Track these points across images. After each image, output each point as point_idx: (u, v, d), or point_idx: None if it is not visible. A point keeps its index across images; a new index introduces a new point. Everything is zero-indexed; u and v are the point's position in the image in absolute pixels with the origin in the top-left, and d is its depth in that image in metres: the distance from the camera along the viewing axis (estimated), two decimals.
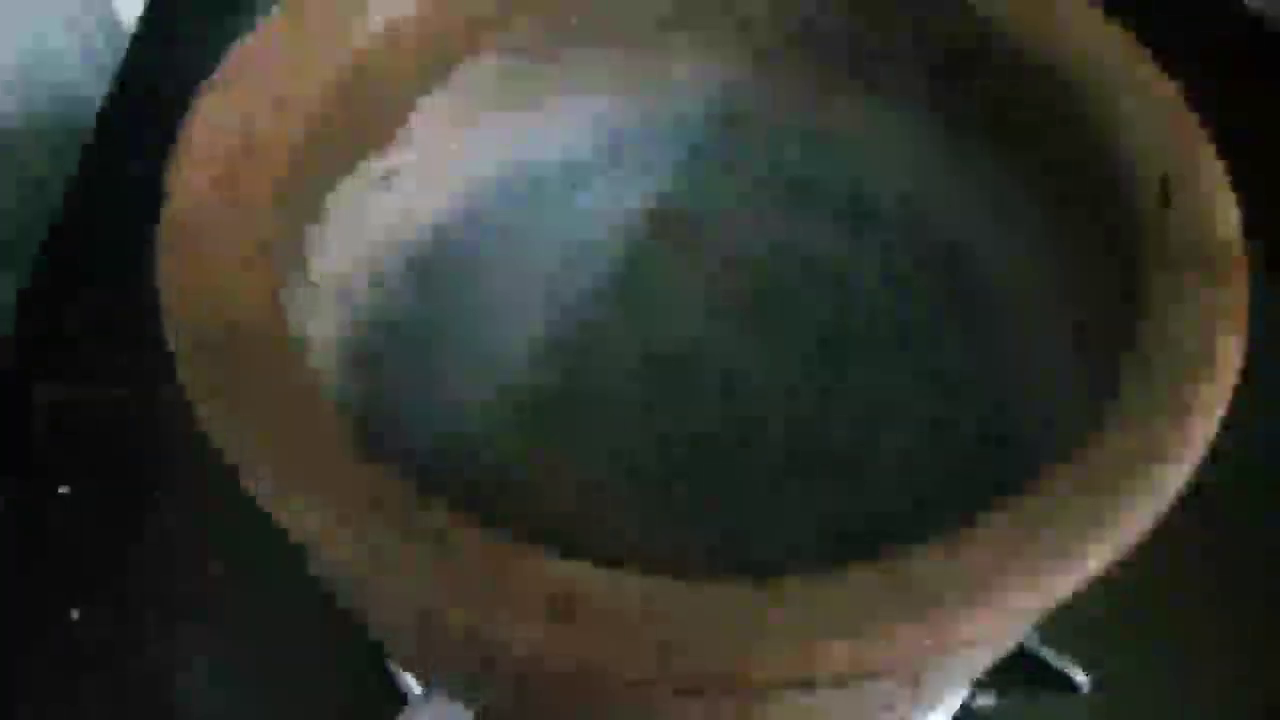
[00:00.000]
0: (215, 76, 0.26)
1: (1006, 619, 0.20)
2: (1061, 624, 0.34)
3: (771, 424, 0.33)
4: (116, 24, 0.51)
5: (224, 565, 0.37)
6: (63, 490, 0.39)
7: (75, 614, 0.36)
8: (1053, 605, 0.20)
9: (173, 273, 0.23)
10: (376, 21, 0.29)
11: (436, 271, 0.34)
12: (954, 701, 0.32)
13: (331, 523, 0.20)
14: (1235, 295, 0.24)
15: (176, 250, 0.24)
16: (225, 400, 0.21)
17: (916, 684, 0.23)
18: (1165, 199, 0.25)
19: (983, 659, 0.25)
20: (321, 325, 0.30)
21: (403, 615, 0.22)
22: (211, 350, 0.22)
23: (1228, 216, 0.25)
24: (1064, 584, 0.20)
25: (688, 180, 0.36)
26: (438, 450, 0.31)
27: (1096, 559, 0.20)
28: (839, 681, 0.19)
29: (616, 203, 0.36)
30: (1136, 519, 0.21)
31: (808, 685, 0.19)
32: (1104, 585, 0.21)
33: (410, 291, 0.33)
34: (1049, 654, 0.30)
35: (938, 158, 0.33)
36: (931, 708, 0.28)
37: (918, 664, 0.21)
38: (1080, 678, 0.30)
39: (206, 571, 0.37)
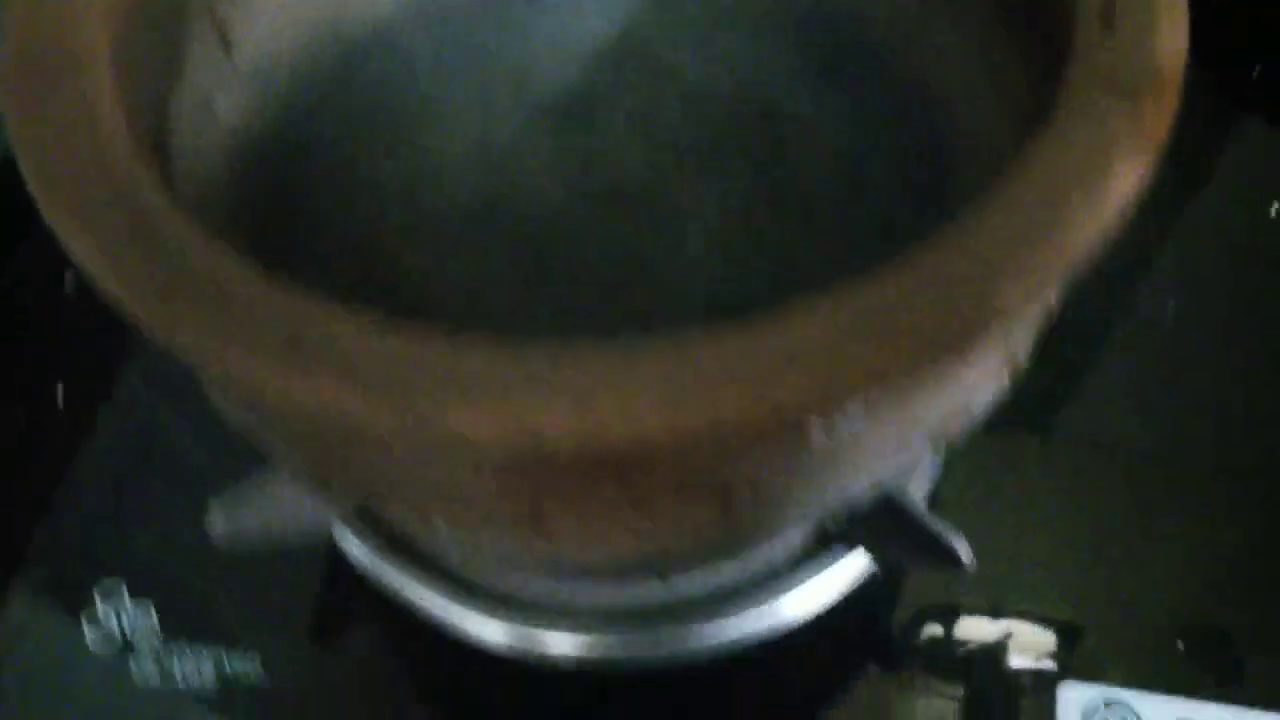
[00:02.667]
0: None
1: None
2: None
3: (701, 258, 0.31)
4: None
5: None
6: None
7: None
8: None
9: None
10: None
11: (373, 70, 0.32)
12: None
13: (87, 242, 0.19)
14: (1151, 125, 0.21)
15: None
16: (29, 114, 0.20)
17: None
18: (1107, 20, 0.22)
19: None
20: (235, 103, 0.29)
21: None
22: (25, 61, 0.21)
23: (1171, 42, 0.22)
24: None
25: (655, 10, 0.34)
26: (332, 253, 0.30)
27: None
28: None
29: (578, 26, 0.34)
30: None
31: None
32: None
33: (341, 87, 0.32)
34: (934, 521, 0.28)
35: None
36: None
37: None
38: (964, 552, 0.28)
39: None
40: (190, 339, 0.18)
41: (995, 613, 0.32)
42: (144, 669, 0.32)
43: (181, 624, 0.33)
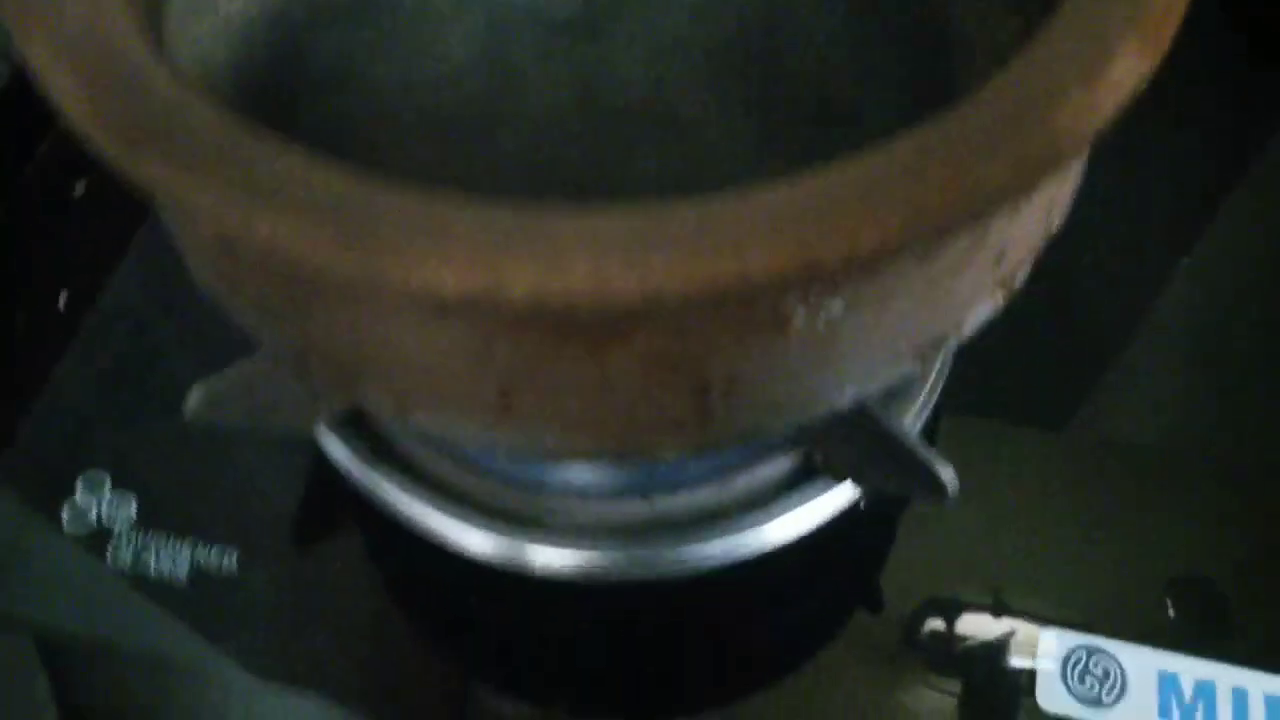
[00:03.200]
0: None
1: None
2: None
3: (708, 164, 0.31)
4: None
5: None
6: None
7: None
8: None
9: None
10: None
11: None
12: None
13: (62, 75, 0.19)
14: (1153, 22, 0.20)
15: None
16: None
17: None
18: None
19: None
20: None
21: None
22: None
23: None
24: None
25: None
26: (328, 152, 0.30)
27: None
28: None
29: None
30: None
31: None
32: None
33: None
34: (921, 447, 0.28)
35: None
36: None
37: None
38: (949, 480, 0.27)
39: None
40: (155, 173, 0.18)
41: (998, 610, 0.31)
42: (121, 556, 0.32)
43: (162, 516, 0.33)
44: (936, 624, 0.31)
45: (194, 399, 0.28)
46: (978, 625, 0.31)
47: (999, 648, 0.31)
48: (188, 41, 0.27)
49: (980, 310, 0.25)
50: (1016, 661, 0.31)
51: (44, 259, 0.41)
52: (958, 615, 0.32)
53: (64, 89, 0.19)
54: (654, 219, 0.17)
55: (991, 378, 0.34)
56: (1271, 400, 0.35)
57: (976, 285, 0.24)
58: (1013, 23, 0.27)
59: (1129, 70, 0.20)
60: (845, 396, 0.24)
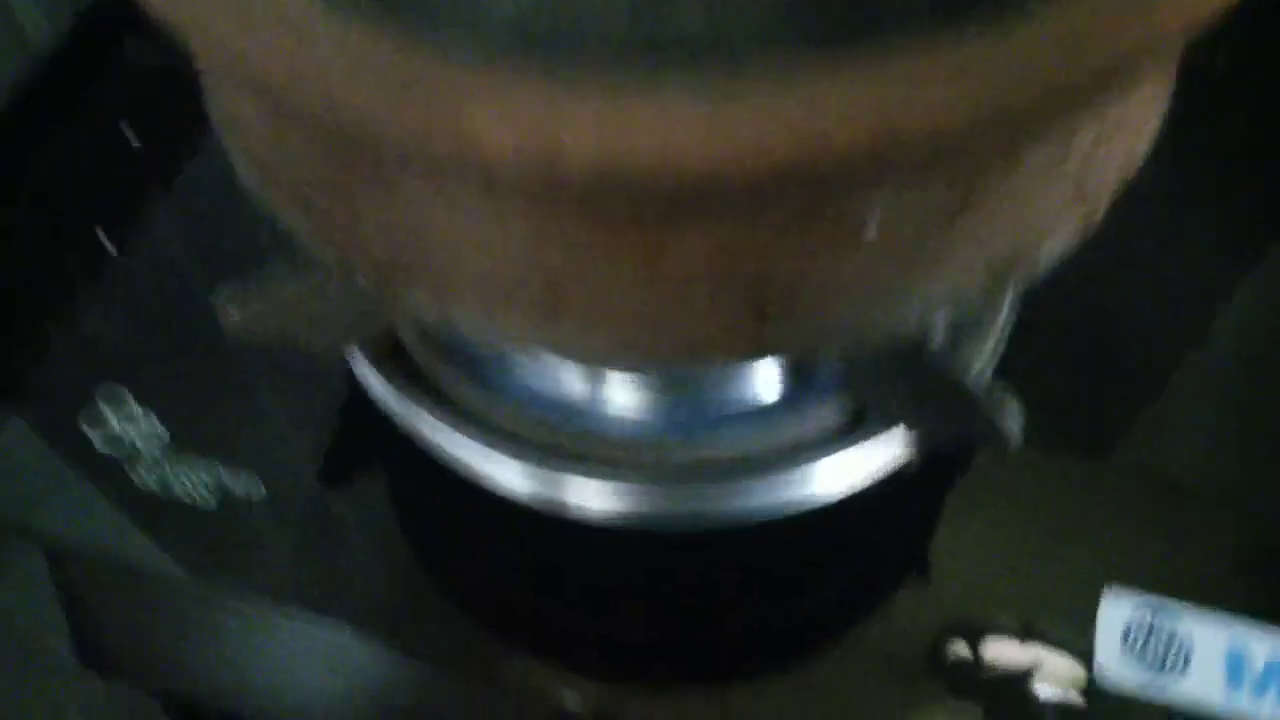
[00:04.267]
0: None
1: None
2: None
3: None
4: None
5: None
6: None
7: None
8: None
9: None
10: None
11: None
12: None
13: None
14: None
15: None
16: None
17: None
18: None
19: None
20: None
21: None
22: None
23: None
24: None
25: None
26: None
27: None
28: None
29: None
30: None
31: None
32: None
33: None
34: (981, 384, 0.26)
35: None
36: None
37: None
38: (1013, 420, 0.25)
39: None
40: (202, 18, 0.17)
41: (1025, 637, 0.29)
42: (143, 476, 0.31)
43: (189, 439, 0.32)
44: (960, 647, 0.30)
45: (227, 306, 0.27)
46: (1004, 652, 0.30)
47: (1024, 678, 0.29)
48: None
49: (1060, 237, 0.24)
50: (1043, 693, 0.29)
51: (87, 199, 0.40)
52: (982, 638, 0.30)
53: None
54: (729, 84, 0.16)
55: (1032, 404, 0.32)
56: None
57: (1058, 208, 0.23)
58: None
59: None
60: (912, 316, 0.23)
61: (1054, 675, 0.29)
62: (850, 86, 0.16)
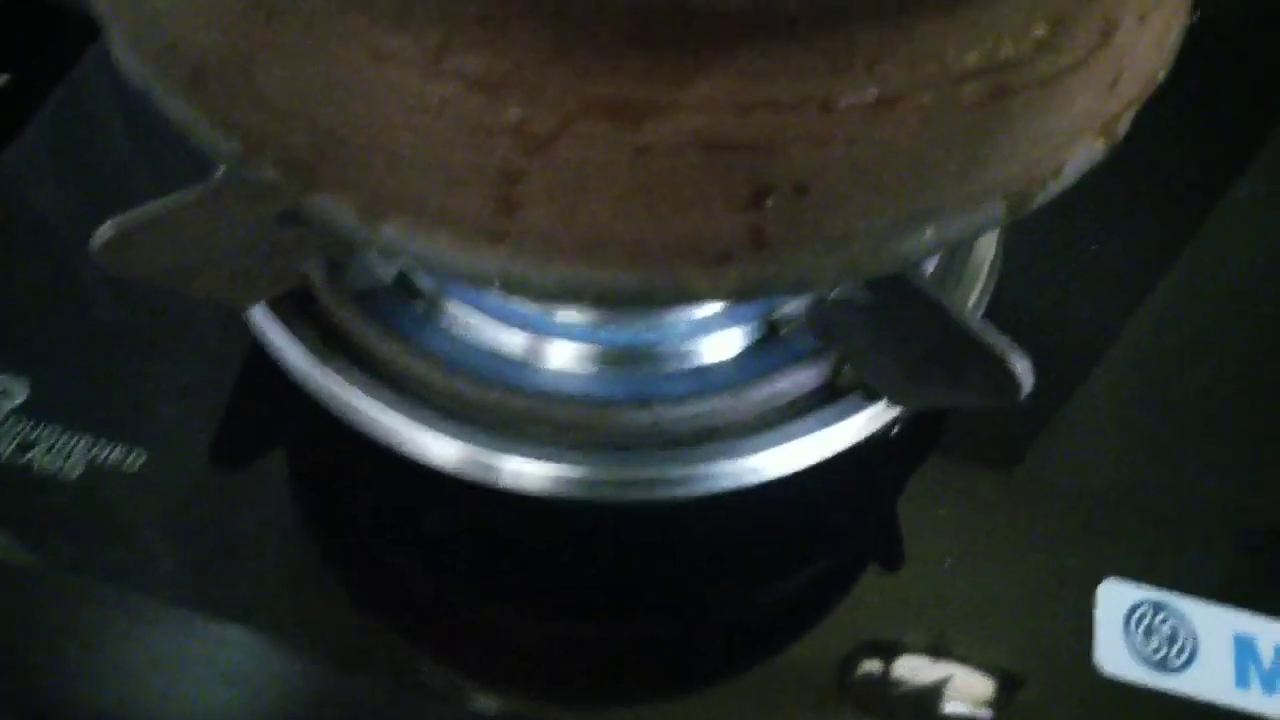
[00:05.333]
0: None
1: None
2: None
3: None
4: None
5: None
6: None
7: None
8: None
9: None
10: None
11: None
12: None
13: None
14: None
15: None
16: None
17: None
18: None
19: None
20: None
21: None
22: None
23: None
24: None
25: None
26: None
27: None
28: None
29: None
30: None
31: None
32: None
33: None
34: (986, 329, 0.23)
35: None
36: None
37: None
38: (1022, 369, 0.22)
39: None
40: None
41: (936, 653, 0.27)
42: (3, 446, 0.26)
43: (56, 404, 0.27)
44: (873, 665, 0.27)
45: (102, 236, 0.22)
46: (915, 669, 0.27)
47: (933, 694, 0.27)
48: None
49: (1083, 153, 0.21)
50: (951, 708, 0.26)
51: None
52: (895, 658, 0.27)
53: None
54: None
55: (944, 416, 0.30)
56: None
57: (1087, 113, 0.20)
58: None
59: None
60: (924, 238, 0.19)
61: (965, 693, 0.26)
62: None
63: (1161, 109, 0.22)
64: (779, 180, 0.17)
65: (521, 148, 0.16)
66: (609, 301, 0.23)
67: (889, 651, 0.27)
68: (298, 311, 0.27)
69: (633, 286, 0.18)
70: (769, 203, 0.17)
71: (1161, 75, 0.22)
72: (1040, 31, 0.17)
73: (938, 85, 0.16)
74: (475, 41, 0.15)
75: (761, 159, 0.16)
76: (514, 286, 0.20)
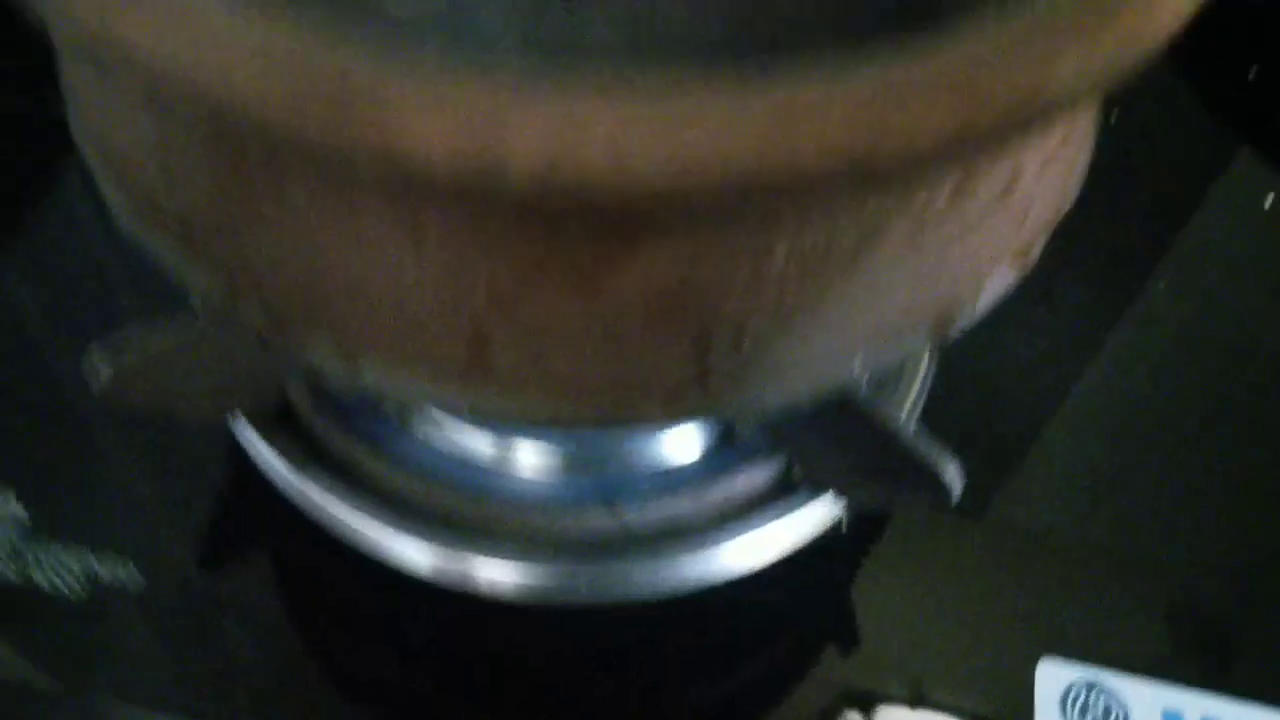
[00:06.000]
0: None
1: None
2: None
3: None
4: None
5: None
6: None
7: None
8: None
9: None
10: None
11: None
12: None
13: None
14: None
15: None
16: None
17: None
18: None
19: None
20: None
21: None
22: None
23: None
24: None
25: None
26: None
27: None
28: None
29: None
30: None
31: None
32: None
33: None
34: (918, 438, 0.25)
35: None
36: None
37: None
38: (953, 475, 0.24)
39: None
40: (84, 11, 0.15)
41: (915, 703, 0.28)
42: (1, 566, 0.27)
43: (50, 520, 0.28)
44: (854, 718, 0.28)
45: (99, 366, 0.24)
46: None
47: None
48: None
49: (997, 280, 0.23)
50: None
51: None
52: (874, 709, 0.29)
53: None
54: (685, 88, 0.15)
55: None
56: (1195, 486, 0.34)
57: (999, 247, 0.22)
58: None
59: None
60: (854, 366, 0.21)
61: None
62: (821, 93, 0.15)
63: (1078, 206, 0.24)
64: (718, 330, 0.18)
65: (487, 305, 0.18)
66: (572, 429, 0.25)
67: None
68: (274, 418, 0.29)
69: (592, 418, 0.20)
70: (711, 349, 0.19)
71: (1069, 205, 0.24)
72: (953, 181, 0.19)
73: (858, 235, 0.18)
74: (446, 222, 0.17)
75: (701, 313, 0.18)
76: (483, 415, 0.21)
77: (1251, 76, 0.44)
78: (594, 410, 0.20)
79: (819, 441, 0.28)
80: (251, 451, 0.29)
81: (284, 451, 0.28)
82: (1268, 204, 0.40)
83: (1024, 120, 0.16)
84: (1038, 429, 0.34)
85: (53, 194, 0.36)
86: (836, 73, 0.15)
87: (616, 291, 0.17)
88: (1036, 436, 0.34)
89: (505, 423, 0.27)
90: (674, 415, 0.20)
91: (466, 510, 0.28)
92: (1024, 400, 0.35)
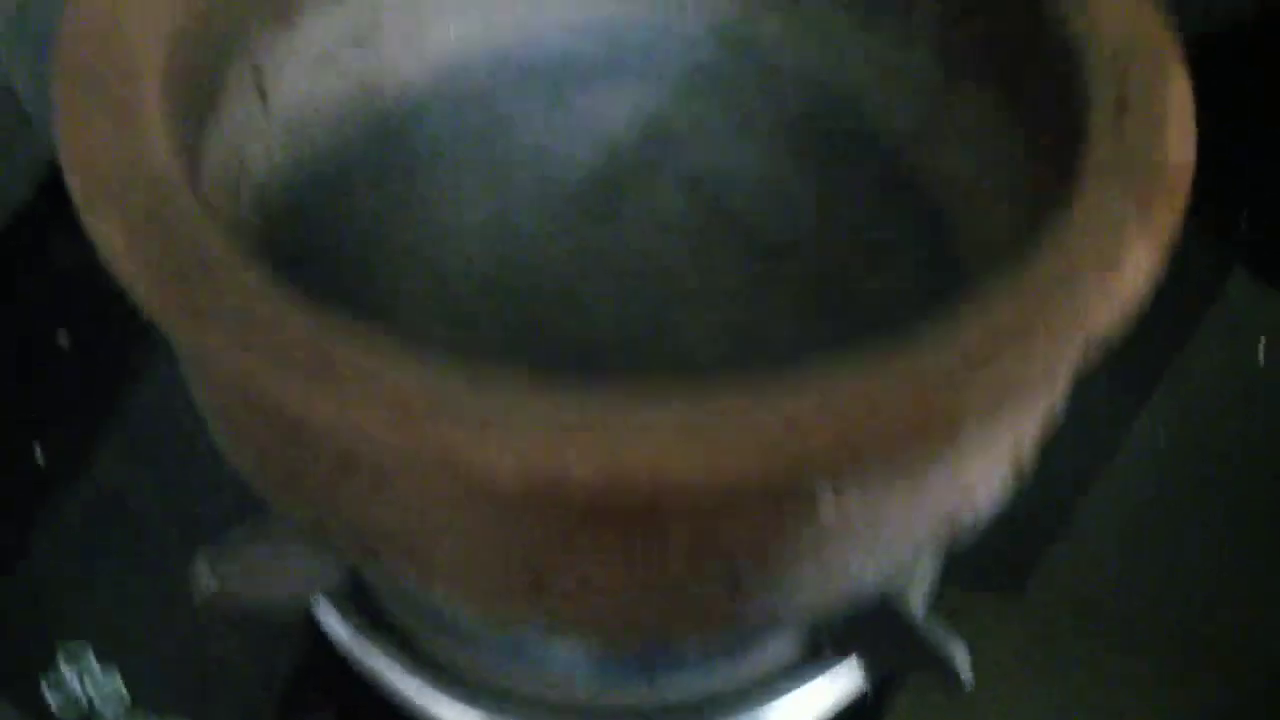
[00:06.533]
0: None
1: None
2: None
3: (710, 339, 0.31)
4: None
5: None
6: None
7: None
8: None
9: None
10: None
11: (401, 134, 0.33)
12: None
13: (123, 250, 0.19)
14: (1160, 224, 0.21)
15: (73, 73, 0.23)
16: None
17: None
18: (1120, 111, 0.23)
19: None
20: (265, 154, 0.30)
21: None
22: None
23: (1180, 135, 0.23)
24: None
25: (682, 98, 0.35)
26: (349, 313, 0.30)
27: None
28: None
29: (605, 109, 0.35)
30: None
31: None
32: None
33: (368, 148, 0.33)
34: (932, 629, 0.27)
35: (935, 99, 0.31)
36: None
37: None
38: (964, 666, 0.27)
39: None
40: (218, 344, 0.18)
41: None
42: None
43: (148, 691, 0.31)
44: None
45: (203, 576, 0.27)
46: None
47: None
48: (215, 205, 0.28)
49: (996, 490, 0.25)
50: None
51: (21, 410, 0.39)
52: None
53: (110, 236, 0.19)
54: (712, 406, 0.18)
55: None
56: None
57: (995, 469, 0.25)
58: (1014, 218, 0.28)
59: (1139, 279, 0.21)
60: (868, 581, 0.24)
61: None
62: (824, 402, 0.18)
63: None
64: (746, 575, 0.21)
65: (544, 568, 0.21)
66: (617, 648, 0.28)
67: None
68: (349, 597, 0.32)
69: (636, 642, 0.23)
70: (740, 583, 0.22)
71: (1060, 417, 0.27)
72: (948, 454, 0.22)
73: (863, 501, 0.21)
74: (509, 507, 0.20)
75: (731, 565, 0.21)
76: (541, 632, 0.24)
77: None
78: (637, 637, 0.23)
79: (844, 623, 0.30)
80: (325, 624, 0.32)
81: (356, 626, 0.31)
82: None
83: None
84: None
85: (153, 368, 0.40)
86: (824, 390, 0.18)
87: (653, 557, 0.20)
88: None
89: (558, 636, 0.30)
90: (709, 633, 0.23)
91: (517, 681, 0.31)
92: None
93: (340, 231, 0.31)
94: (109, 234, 0.19)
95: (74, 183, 0.19)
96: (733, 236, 0.33)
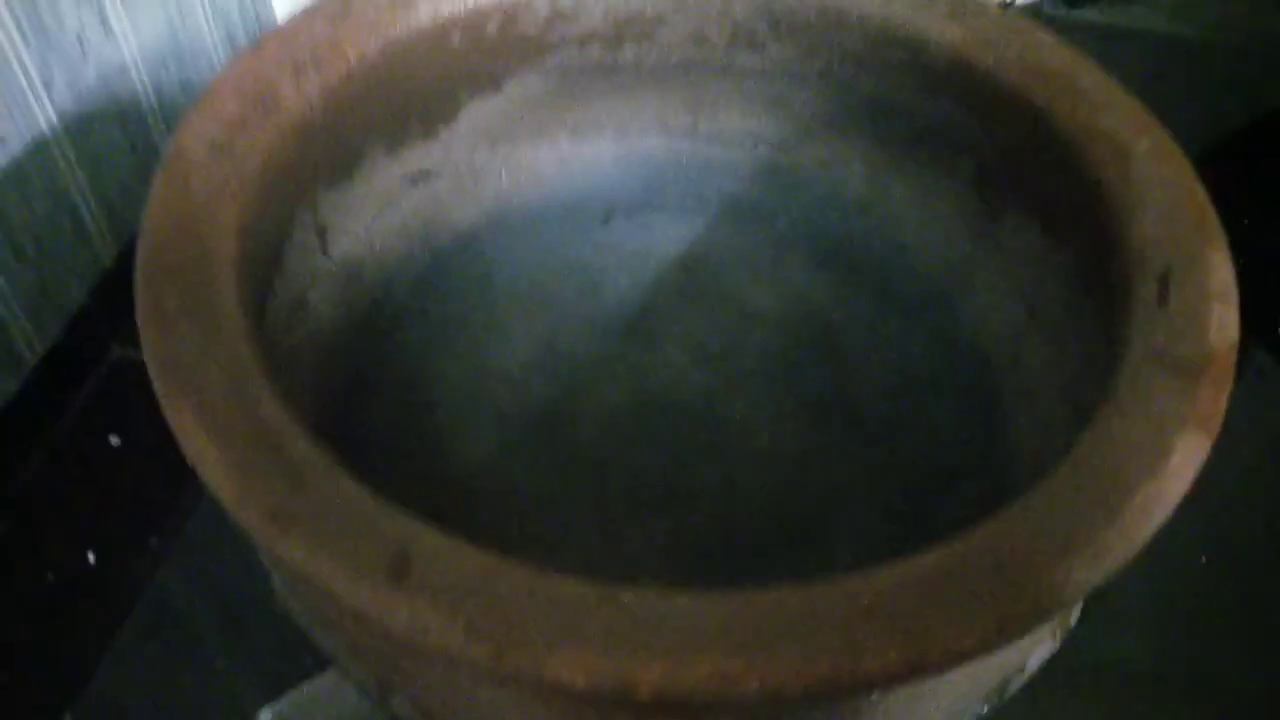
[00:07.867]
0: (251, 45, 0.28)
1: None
2: None
3: (754, 472, 0.32)
4: None
5: None
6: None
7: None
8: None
9: (159, 203, 0.24)
10: (422, 16, 0.30)
11: (454, 274, 0.34)
12: None
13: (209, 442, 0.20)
14: (1207, 407, 0.22)
15: (168, 188, 0.25)
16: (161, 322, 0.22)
17: None
18: (1163, 297, 0.24)
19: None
20: (327, 297, 0.31)
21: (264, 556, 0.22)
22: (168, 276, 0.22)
23: (1224, 319, 0.23)
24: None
25: (720, 229, 0.36)
26: (399, 444, 0.31)
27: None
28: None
29: (646, 241, 0.36)
30: None
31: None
32: None
33: (423, 288, 0.34)
34: None
35: (971, 240, 0.32)
36: None
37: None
38: None
39: None
40: (300, 557, 0.19)
41: None
42: None
43: None
44: None
45: None
46: None
47: None
48: (280, 350, 0.29)
49: (1041, 652, 0.26)
50: None
51: (75, 516, 0.40)
52: None
53: (214, 468, 0.20)
54: (772, 618, 0.18)
55: None
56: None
57: (1040, 640, 0.25)
58: (1057, 384, 0.29)
59: (1188, 463, 0.21)
60: None
61: None
62: (875, 608, 0.19)
63: None
64: None
65: None
66: None
67: None
68: None
69: None
70: None
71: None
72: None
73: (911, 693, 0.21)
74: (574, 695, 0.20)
75: None
76: None
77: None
78: None
79: None
80: None
81: None
82: None
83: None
84: None
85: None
86: (883, 605, 0.18)
87: None
88: None
89: None
90: None
91: None
92: None
93: (392, 360, 0.32)
94: (192, 434, 0.20)
95: (157, 383, 0.20)
96: (774, 369, 0.34)
